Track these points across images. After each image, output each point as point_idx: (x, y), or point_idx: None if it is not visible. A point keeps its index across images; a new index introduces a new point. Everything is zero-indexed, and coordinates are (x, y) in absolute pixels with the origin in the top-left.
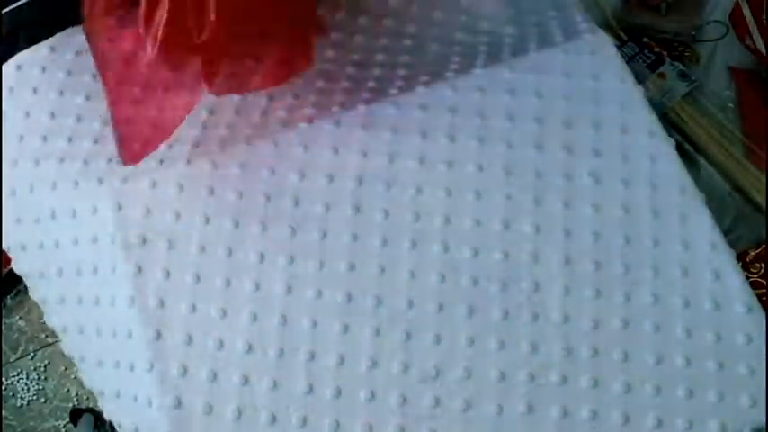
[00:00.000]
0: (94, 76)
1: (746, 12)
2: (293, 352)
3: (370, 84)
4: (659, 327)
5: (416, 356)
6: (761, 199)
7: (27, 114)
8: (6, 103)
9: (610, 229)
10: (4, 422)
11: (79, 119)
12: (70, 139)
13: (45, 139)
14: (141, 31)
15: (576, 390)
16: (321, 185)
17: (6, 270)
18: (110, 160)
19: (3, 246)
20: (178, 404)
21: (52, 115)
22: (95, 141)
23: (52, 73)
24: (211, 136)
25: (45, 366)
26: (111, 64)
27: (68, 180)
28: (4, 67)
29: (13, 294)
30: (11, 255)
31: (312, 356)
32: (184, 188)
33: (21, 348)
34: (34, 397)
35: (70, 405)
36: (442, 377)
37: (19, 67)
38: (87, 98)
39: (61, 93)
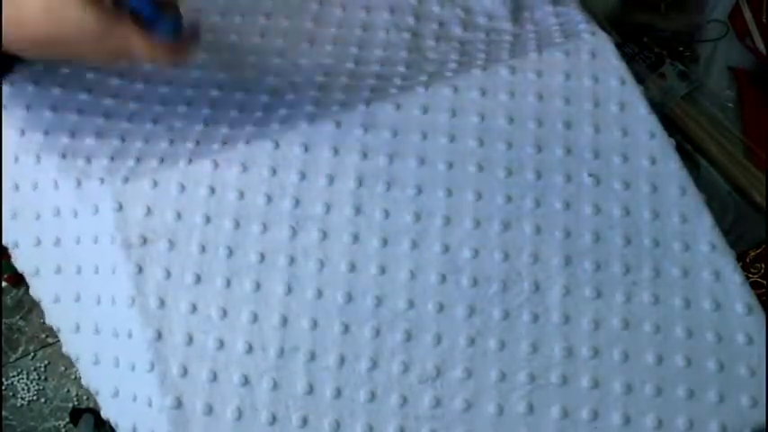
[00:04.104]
0: (97, 70)
1: (746, 12)
2: (293, 352)
3: (369, 81)
4: (659, 327)
5: (416, 357)
6: (761, 199)
7: (28, 108)
8: (7, 96)
9: (610, 229)
10: (4, 422)
11: (81, 113)
12: (72, 135)
13: (47, 133)
14: None
15: (577, 390)
16: (321, 186)
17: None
18: (111, 158)
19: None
20: (178, 405)
21: (54, 109)
22: (98, 137)
23: (54, 66)
24: (212, 134)
25: (45, 366)
26: None
27: (70, 178)
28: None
29: (13, 295)
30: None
31: (312, 356)
32: (185, 188)
33: (21, 348)
34: (34, 397)
35: (70, 405)
36: (443, 377)
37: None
38: (89, 92)
39: (63, 87)
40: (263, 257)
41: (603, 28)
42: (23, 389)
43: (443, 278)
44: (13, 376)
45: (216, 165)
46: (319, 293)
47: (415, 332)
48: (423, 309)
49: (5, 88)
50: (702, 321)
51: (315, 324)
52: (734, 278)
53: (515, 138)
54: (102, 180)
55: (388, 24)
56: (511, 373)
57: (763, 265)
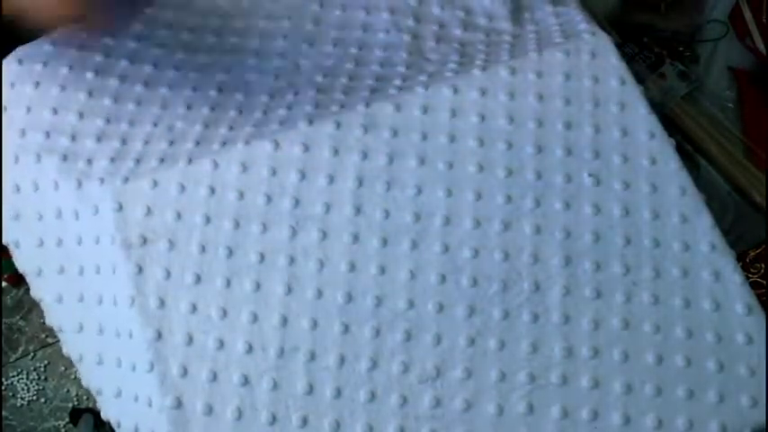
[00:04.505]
0: (97, 72)
1: (746, 12)
2: (293, 352)
3: (369, 82)
4: (659, 327)
5: (416, 357)
6: (761, 199)
7: (28, 109)
8: (7, 97)
9: (610, 229)
10: (4, 422)
11: (81, 116)
12: (72, 137)
13: (48, 135)
14: None
15: (577, 390)
16: (321, 186)
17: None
18: (112, 159)
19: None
20: (178, 405)
21: (54, 111)
22: (98, 140)
23: (54, 68)
24: (212, 135)
25: (45, 366)
26: None
27: (71, 179)
28: (4, 61)
29: (13, 295)
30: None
31: (312, 357)
32: (185, 188)
33: (21, 348)
34: (34, 397)
35: (70, 405)
36: (443, 377)
37: (20, 62)
38: (90, 95)
39: (63, 88)
40: (263, 257)
41: (603, 28)
42: (23, 389)
43: (443, 278)
44: (13, 376)
45: (216, 165)
46: (319, 293)
47: (415, 332)
48: (423, 309)
49: (5, 88)
50: (702, 321)
51: (315, 324)
52: (734, 278)
53: (515, 138)
54: (101, 180)
55: (387, 25)
56: (511, 373)
57: (763, 265)
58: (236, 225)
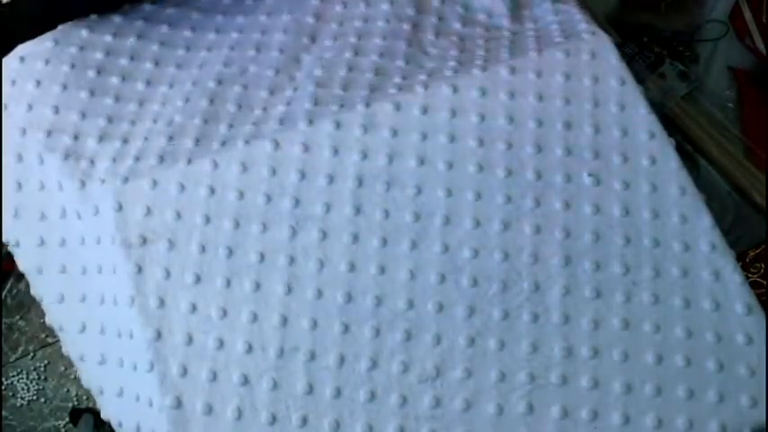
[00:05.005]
0: (99, 71)
1: (746, 12)
2: (293, 352)
3: (368, 75)
4: (659, 327)
5: (416, 357)
6: (761, 199)
7: (29, 107)
8: (8, 95)
9: (610, 229)
10: (4, 422)
11: (83, 115)
12: (75, 137)
13: (49, 134)
14: None
15: (577, 390)
16: (321, 186)
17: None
18: (113, 160)
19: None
20: (178, 404)
21: (56, 109)
22: (100, 139)
23: (56, 66)
24: (211, 133)
25: (45, 366)
26: None
27: (74, 179)
28: (5, 59)
29: (13, 294)
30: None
31: (312, 356)
32: (185, 188)
33: (21, 348)
34: (34, 397)
35: (70, 405)
36: (442, 377)
37: (22, 59)
38: (92, 93)
39: (65, 87)
40: (263, 257)
41: (603, 28)
42: (23, 389)
43: (443, 278)
44: (13, 376)
45: (215, 164)
46: (319, 293)
47: (415, 332)
48: (422, 309)
49: (6, 86)
50: (702, 321)
51: (315, 324)
52: (734, 278)
53: (515, 138)
54: (102, 180)
55: (388, 15)
56: (511, 373)
57: (762, 265)
58: (236, 225)
